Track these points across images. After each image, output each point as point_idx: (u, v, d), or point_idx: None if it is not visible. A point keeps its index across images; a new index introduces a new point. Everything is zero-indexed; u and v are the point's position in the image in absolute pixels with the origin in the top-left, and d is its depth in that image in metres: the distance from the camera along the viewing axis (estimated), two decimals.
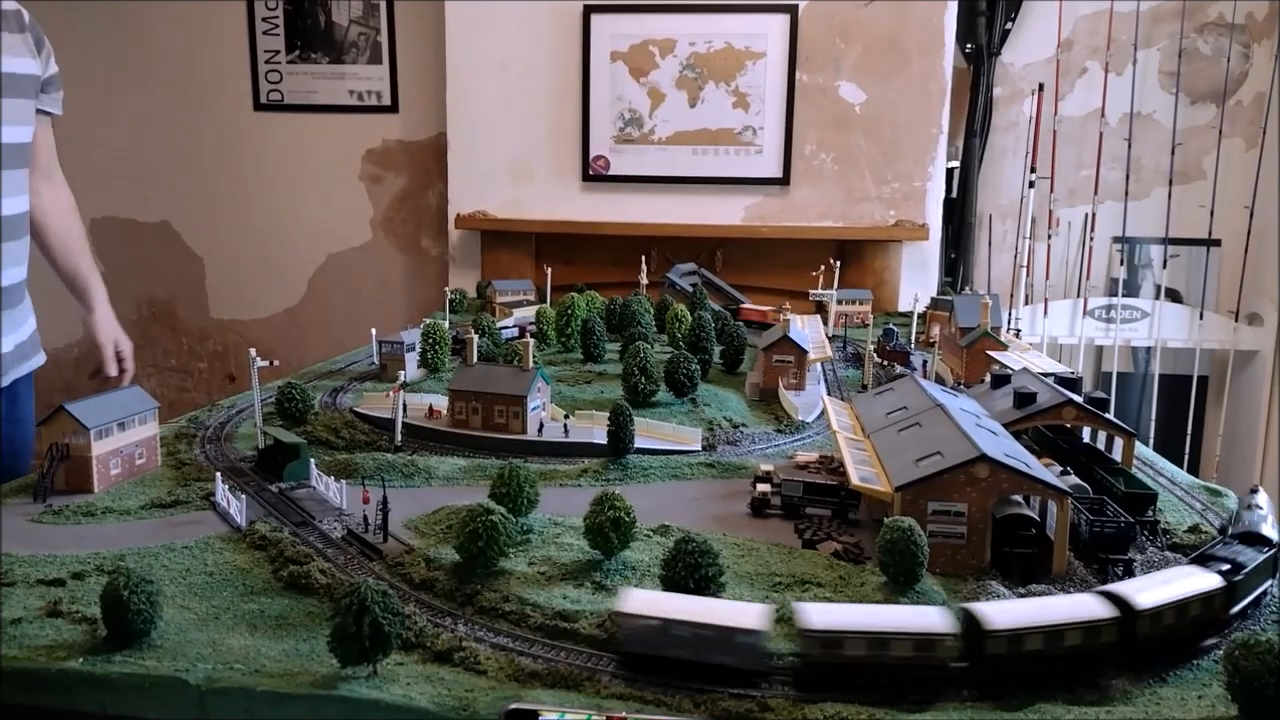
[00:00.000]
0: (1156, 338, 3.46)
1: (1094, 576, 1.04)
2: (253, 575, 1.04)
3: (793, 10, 3.21)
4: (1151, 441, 3.42)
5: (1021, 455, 1.12)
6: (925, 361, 2.02)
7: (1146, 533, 1.15)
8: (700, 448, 1.51)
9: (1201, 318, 3.44)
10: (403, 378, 1.65)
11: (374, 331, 2.06)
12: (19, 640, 0.88)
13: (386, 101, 3.75)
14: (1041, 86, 3.49)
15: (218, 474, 1.28)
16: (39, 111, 1.84)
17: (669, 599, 0.87)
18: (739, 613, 0.85)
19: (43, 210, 1.95)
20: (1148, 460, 1.51)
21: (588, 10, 3.25)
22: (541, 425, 1.54)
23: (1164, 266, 3.48)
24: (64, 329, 4.18)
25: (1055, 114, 3.51)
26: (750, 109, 3.28)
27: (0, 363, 1.77)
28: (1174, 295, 3.53)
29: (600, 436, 1.45)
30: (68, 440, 1.27)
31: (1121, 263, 3.51)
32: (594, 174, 3.37)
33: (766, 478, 1.30)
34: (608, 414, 1.43)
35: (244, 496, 1.21)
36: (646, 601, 0.86)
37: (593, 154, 3.35)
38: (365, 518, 1.15)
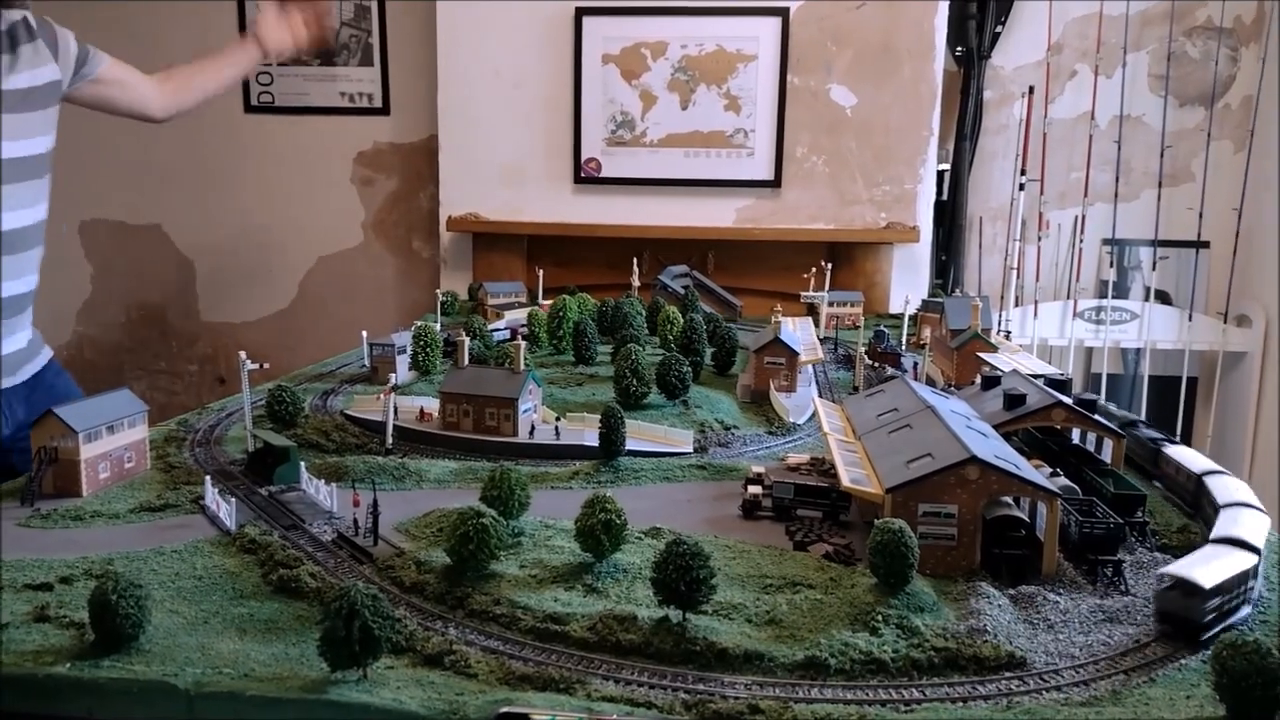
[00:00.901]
0: (1146, 339, 3.48)
1: (1083, 577, 1.05)
2: (242, 579, 1.03)
3: (784, 13, 3.22)
4: None
5: (1011, 457, 1.13)
6: (916, 363, 2.03)
7: (1136, 534, 1.16)
8: (692, 450, 1.51)
9: (1191, 319, 3.45)
10: (394, 380, 1.65)
11: (365, 334, 2.06)
12: (6, 646, 0.87)
13: (378, 104, 3.74)
14: (1031, 89, 3.50)
15: (207, 477, 1.28)
16: (88, 82, 1.98)
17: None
18: None
19: (162, 101, 2.15)
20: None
21: (579, 13, 3.25)
22: (533, 428, 1.53)
23: (1153, 268, 3.50)
24: (53, 332, 4.16)
25: (1045, 117, 3.52)
26: (742, 112, 3.29)
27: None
28: (1163, 297, 3.55)
29: (592, 439, 1.45)
30: (56, 443, 1.26)
31: (1111, 265, 3.53)
32: (586, 176, 3.37)
33: (758, 480, 1.31)
34: (599, 416, 1.43)
35: (234, 500, 1.20)
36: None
37: (584, 156, 3.35)
38: (355, 521, 1.15)
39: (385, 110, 3.75)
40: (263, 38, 2.26)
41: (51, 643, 0.88)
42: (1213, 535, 1.03)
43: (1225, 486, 1.18)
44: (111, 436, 1.32)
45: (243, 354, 1.46)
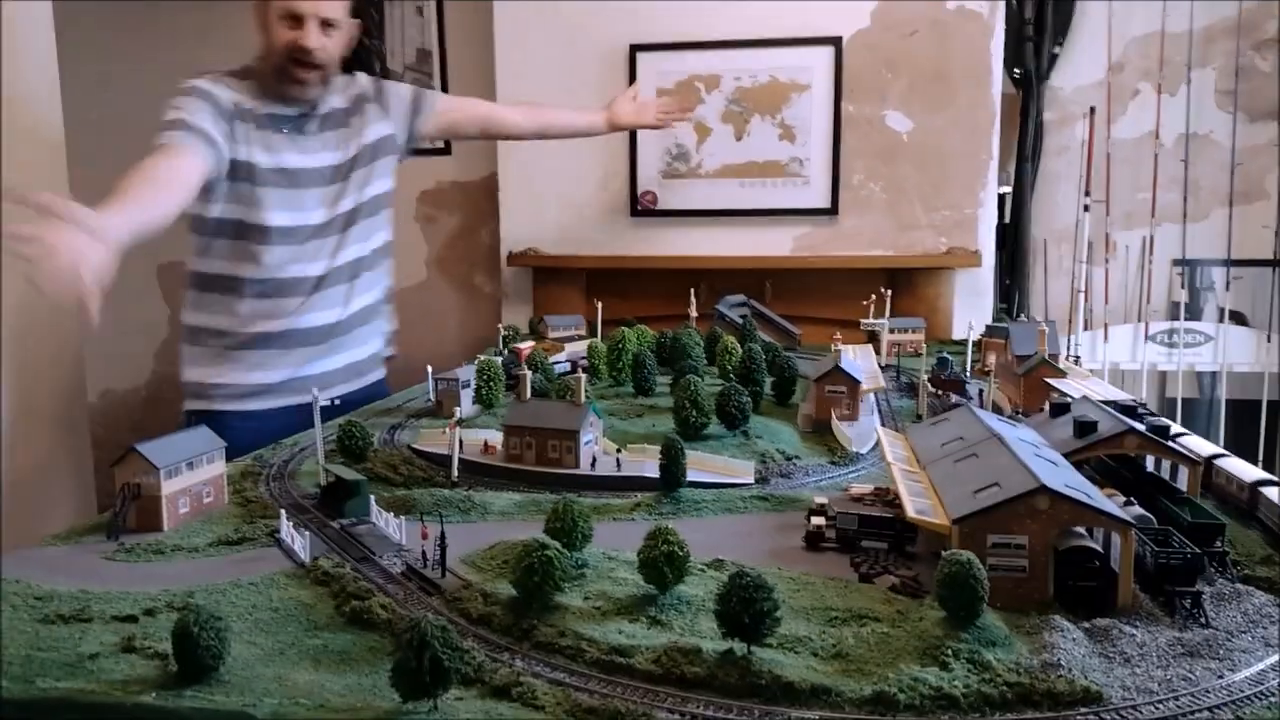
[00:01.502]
0: (1222, 362, 3.37)
1: (1161, 610, 1.02)
2: (316, 611, 1.06)
3: (837, 42, 3.23)
4: None
5: (1082, 486, 1.10)
6: (981, 390, 2.00)
7: (1215, 564, 1.12)
8: (753, 480, 1.51)
9: (1270, 340, 3.34)
10: (458, 414, 1.68)
11: (430, 369, 2.10)
12: (96, 675, 0.91)
13: (440, 144, 3.84)
14: (1093, 110, 3.45)
15: (282, 511, 1.31)
16: (428, 119, 2.48)
17: None
18: None
19: (519, 119, 2.71)
20: None
21: (633, 49, 3.31)
22: (594, 459, 1.55)
23: (1227, 289, 3.39)
24: (132, 372, 4.33)
25: (1108, 137, 3.46)
26: (797, 140, 3.30)
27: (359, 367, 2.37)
28: (1239, 318, 3.44)
29: (652, 470, 1.46)
30: (139, 480, 1.31)
31: (1182, 286, 3.43)
32: (642, 209, 3.40)
33: (821, 510, 1.30)
34: (659, 447, 1.44)
35: (307, 533, 1.24)
36: None
37: (641, 189, 3.39)
38: (424, 553, 1.17)
39: (447, 150, 3.85)
40: (616, 111, 2.80)
41: (138, 673, 0.91)
42: None
43: None
44: (191, 473, 1.36)
45: (315, 389, 1.50)
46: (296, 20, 2.08)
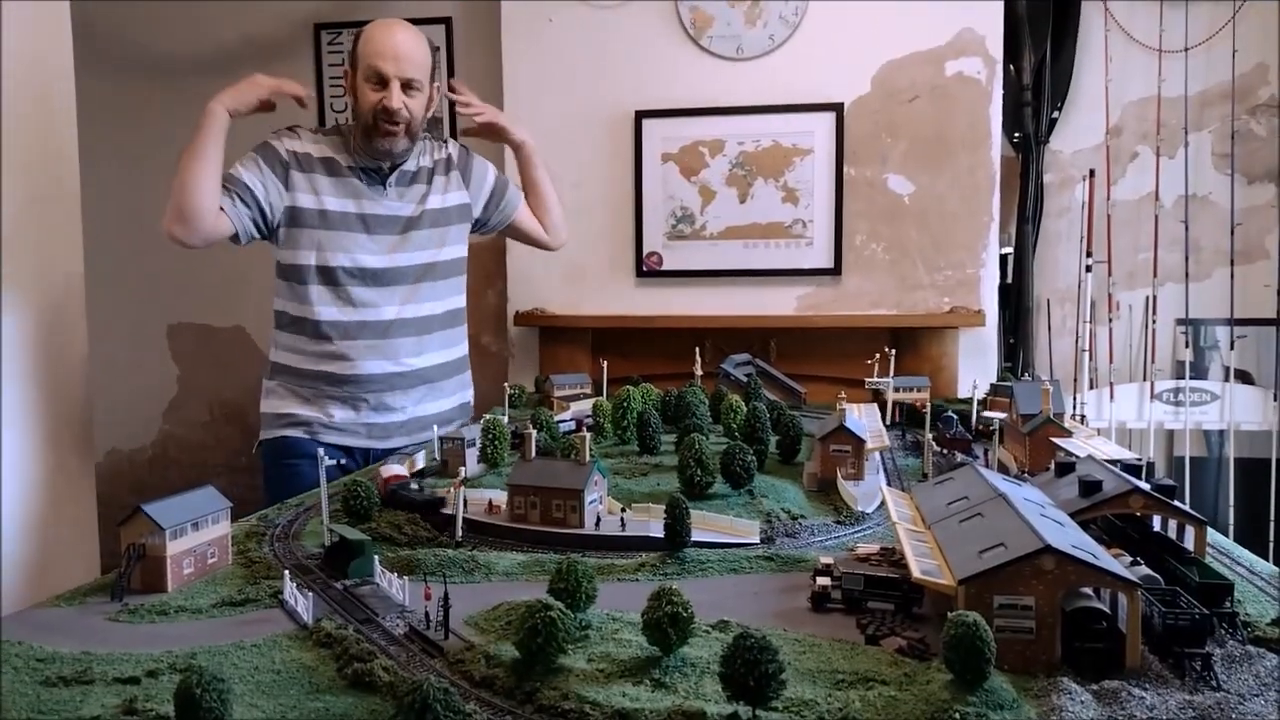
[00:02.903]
0: (1229, 420, 3.36)
1: (1170, 671, 1.00)
2: (318, 673, 1.05)
3: (838, 108, 3.30)
4: (1231, 530, 3.29)
5: (1089, 546, 1.10)
6: (987, 450, 2.00)
7: (1225, 625, 1.11)
8: (758, 540, 1.50)
9: (1276, 399, 3.33)
10: (463, 473, 1.68)
11: (435, 427, 2.11)
12: None
13: None
14: (1092, 172, 3.50)
15: (286, 572, 1.31)
16: (500, 214, 2.70)
17: None
18: None
19: (547, 242, 2.84)
20: (1224, 549, 1.46)
21: (639, 116, 3.38)
22: (599, 519, 1.55)
23: (1231, 348, 3.40)
24: (139, 431, 4.34)
25: (1108, 199, 3.51)
26: (800, 203, 3.35)
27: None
28: (1244, 377, 3.44)
29: (657, 530, 1.45)
30: (144, 540, 1.32)
31: (1187, 345, 3.44)
32: (648, 270, 3.44)
33: (827, 571, 1.29)
34: (664, 506, 1.43)
35: (310, 594, 1.23)
36: None
37: (646, 251, 3.44)
38: (427, 614, 1.16)
39: None
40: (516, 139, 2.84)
41: None
42: None
43: None
44: (196, 533, 1.37)
45: (320, 450, 1.51)
46: (381, 83, 2.28)
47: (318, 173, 2.36)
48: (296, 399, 2.40)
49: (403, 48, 2.30)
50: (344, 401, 2.39)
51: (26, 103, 2.17)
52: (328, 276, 2.35)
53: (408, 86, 2.30)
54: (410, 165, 2.45)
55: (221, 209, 2.22)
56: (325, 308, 2.36)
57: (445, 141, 2.58)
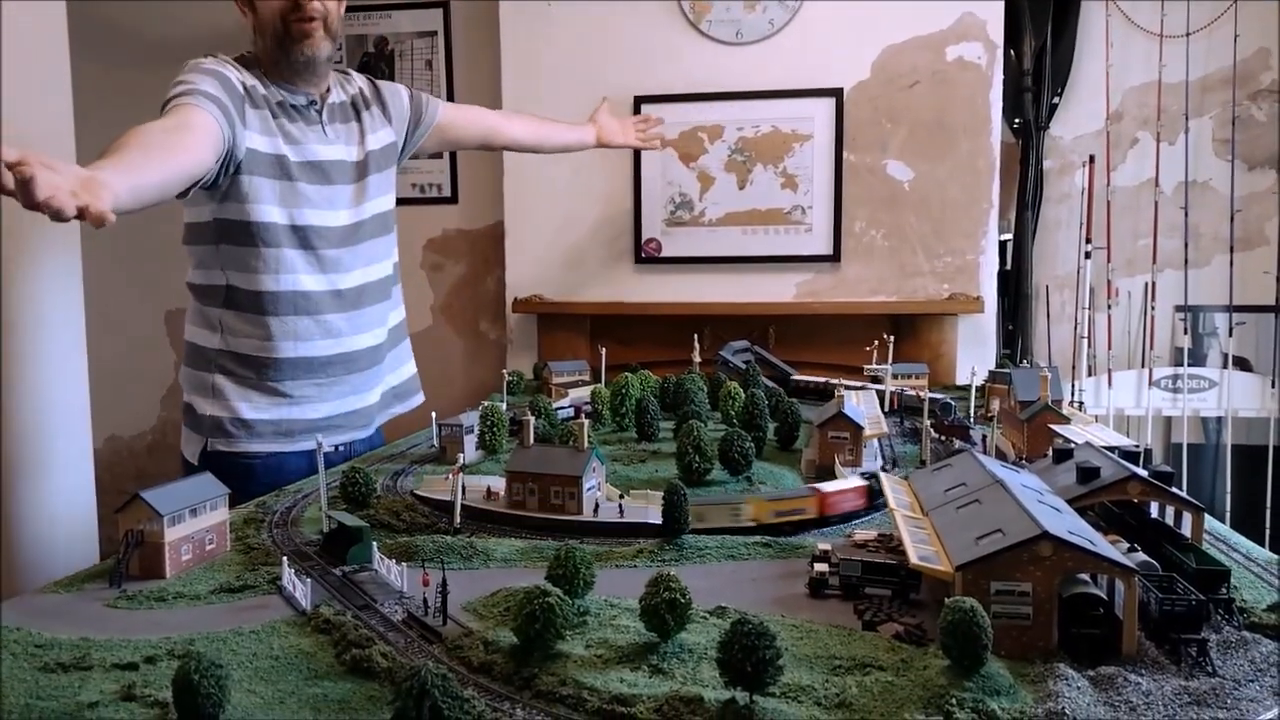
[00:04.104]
0: (1227, 408, 3.36)
1: (1166, 658, 1.01)
2: (317, 659, 1.05)
3: (838, 94, 3.28)
4: (1228, 516, 3.30)
5: (1086, 532, 1.10)
6: (985, 436, 2.00)
7: (1221, 611, 1.11)
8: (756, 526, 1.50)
9: (1274, 386, 3.33)
10: (461, 460, 1.68)
11: (434, 414, 2.11)
12: None
13: (447, 193, 3.89)
14: (1092, 158, 3.49)
15: (284, 558, 1.31)
16: (424, 132, 2.30)
17: None
18: None
19: (516, 138, 2.57)
20: (1221, 536, 1.46)
21: (638, 101, 3.37)
22: (597, 505, 1.55)
23: (1230, 334, 3.40)
24: (138, 417, 4.34)
25: (1108, 185, 3.50)
26: (799, 189, 3.34)
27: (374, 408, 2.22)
28: (1243, 364, 3.44)
29: (655, 516, 1.46)
30: (142, 527, 1.32)
31: (1185, 331, 3.44)
32: (646, 256, 3.44)
33: (824, 557, 1.29)
34: (662, 493, 1.43)
35: (309, 580, 1.23)
36: None
37: (645, 237, 3.43)
38: (425, 600, 1.17)
39: (454, 199, 3.90)
40: (602, 125, 2.75)
41: None
42: None
43: None
44: (194, 519, 1.37)
45: (319, 437, 1.51)
46: None
47: (265, 110, 1.94)
48: (266, 396, 2.02)
49: None
50: (324, 389, 2.07)
51: (23, 88, 2.16)
52: (301, 238, 1.97)
53: None
54: (334, 98, 2.09)
55: (193, 123, 1.75)
56: (304, 275, 1.98)
57: (347, 73, 2.21)
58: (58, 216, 1.24)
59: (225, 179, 1.89)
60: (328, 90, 2.08)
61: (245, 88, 1.92)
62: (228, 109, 1.84)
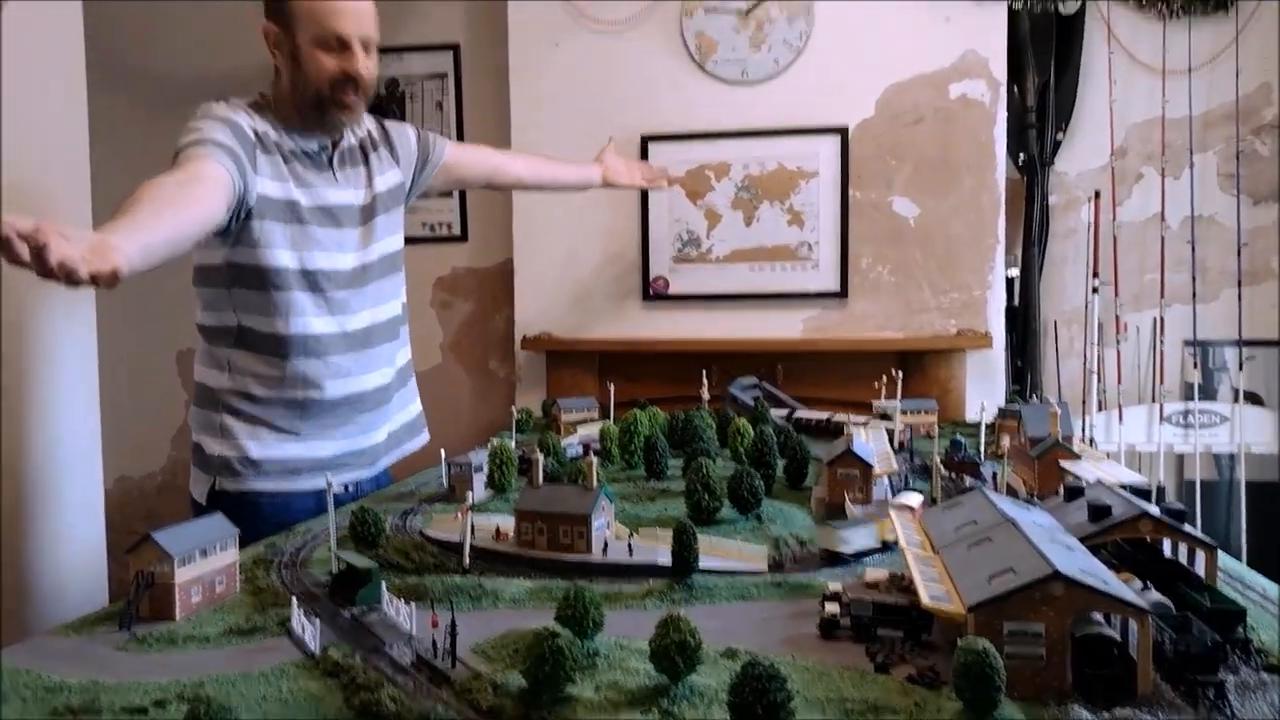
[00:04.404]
0: (1239, 443, 3.34)
1: (1182, 699, 1.00)
2: (325, 703, 1.05)
3: (843, 132, 3.31)
4: (1244, 554, 3.26)
5: (1098, 571, 1.09)
6: (995, 473, 1.99)
7: (1238, 652, 1.10)
8: (766, 567, 1.49)
9: None
10: (470, 499, 1.68)
11: (443, 452, 2.11)
12: None
13: (456, 231, 3.93)
14: (1098, 194, 3.50)
15: (293, 599, 1.31)
16: (432, 172, 2.35)
17: None
18: None
19: (520, 178, 2.67)
20: (1237, 575, 1.45)
21: (644, 140, 3.40)
22: (606, 545, 1.54)
23: (1240, 369, 3.39)
24: (149, 457, 4.35)
25: (1114, 220, 3.51)
26: (805, 225, 3.36)
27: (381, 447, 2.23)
28: (1254, 398, 3.42)
29: (664, 556, 1.45)
30: (153, 568, 1.32)
31: (1195, 366, 3.43)
32: (654, 294, 3.45)
33: (835, 597, 1.28)
34: (671, 532, 1.43)
35: (318, 621, 1.23)
36: None
37: (653, 275, 3.45)
38: (434, 642, 1.16)
39: (464, 237, 3.93)
40: (608, 165, 2.80)
41: None
42: None
43: None
44: (204, 560, 1.37)
45: (329, 475, 1.51)
46: (342, 45, 1.93)
47: (277, 156, 1.98)
48: (273, 434, 2.04)
49: None
50: (332, 428, 2.09)
51: (39, 122, 2.19)
52: (311, 281, 2.00)
53: (368, 47, 1.96)
54: (345, 143, 2.11)
55: (203, 177, 1.76)
56: (313, 318, 2.01)
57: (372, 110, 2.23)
58: (70, 282, 1.29)
59: (237, 225, 1.91)
60: (340, 135, 2.10)
61: (257, 134, 1.94)
62: (239, 157, 1.86)
